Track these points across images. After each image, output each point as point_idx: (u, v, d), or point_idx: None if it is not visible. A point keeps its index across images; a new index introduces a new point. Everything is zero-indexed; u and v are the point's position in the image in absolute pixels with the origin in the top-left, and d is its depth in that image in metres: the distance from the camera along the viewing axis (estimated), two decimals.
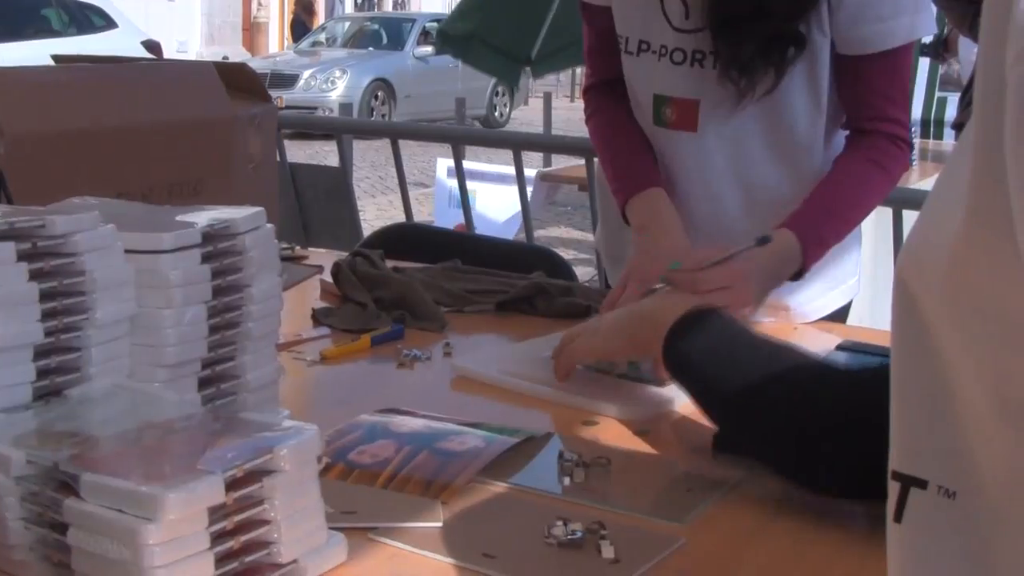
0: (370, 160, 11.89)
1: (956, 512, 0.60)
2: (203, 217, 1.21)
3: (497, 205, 5.99)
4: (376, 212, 8.74)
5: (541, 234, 6.56)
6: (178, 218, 1.21)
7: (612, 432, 1.36)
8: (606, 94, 1.86)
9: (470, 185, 4.23)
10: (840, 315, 1.93)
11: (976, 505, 0.59)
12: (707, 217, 1.80)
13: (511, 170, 4.05)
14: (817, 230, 1.67)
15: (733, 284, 1.54)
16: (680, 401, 1.46)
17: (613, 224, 1.90)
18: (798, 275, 1.66)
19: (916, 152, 4.73)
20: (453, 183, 4.90)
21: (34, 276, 1.05)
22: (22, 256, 1.04)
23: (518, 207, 4.02)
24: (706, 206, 1.80)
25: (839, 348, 1.69)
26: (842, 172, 1.72)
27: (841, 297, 1.90)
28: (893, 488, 0.63)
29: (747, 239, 1.61)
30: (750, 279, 1.57)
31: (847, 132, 1.78)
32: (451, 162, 4.59)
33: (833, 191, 1.70)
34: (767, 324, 1.82)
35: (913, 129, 4.90)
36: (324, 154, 11.33)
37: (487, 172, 6.30)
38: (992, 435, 0.57)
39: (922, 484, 0.61)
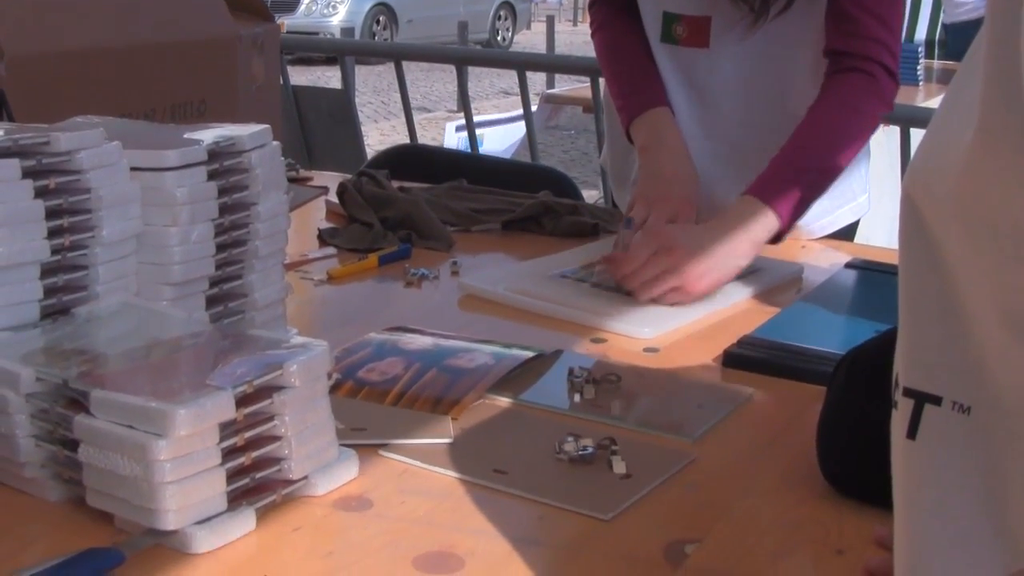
0: (372, 85, 11.82)
1: (971, 427, 0.59)
2: (208, 135, 1.19)
3: (501, 142, 5.97)
4: (379, 137, 8.70)
5: (544, 157, 6.53)
6: (184, 136, 1.19)
7: (621, 349, 1.35)
8: (613, 8, 1.83)
9: (477, 131, 4.19)
10: (848, 233, 1.92)
11: (991, 420, 0.59)
12: (716, 132, 1.78)
13: (517, 111, 3.98)
14: (784, 189, 1.58)
15: (678, 280, 1.47)
16: (689, 318, 1.46)
17: (619, 144, 1.88)
18: (778, 237, 1.58)
19: (922, 72, 4.69)
20: (462, 135, 4.87)
21: (39, 193, 1.03)
22: (27, 173, 1.03)
23: (520, 133, 3.99)
24: (716, 122, 1.77)
25: (848, 266, 1.68)
26: (814, 123, 1.63)
27: (849, 215, 1.89)
28: (906, 405, 0.62)
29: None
30: (694, 262, 1.48)
31: (828, 59, 1.68)
32: (460, 120, 4.56)
33: (803, 145, 1.62)
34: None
35: (920, 50, 4.87)
36: (326, 79, 11.26)
37: (494, 119, 6.27)
38: (1004, 349, 0.57)
39: (936, 400, 0.61)
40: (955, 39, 5.91)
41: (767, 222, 1.55)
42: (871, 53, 1.63)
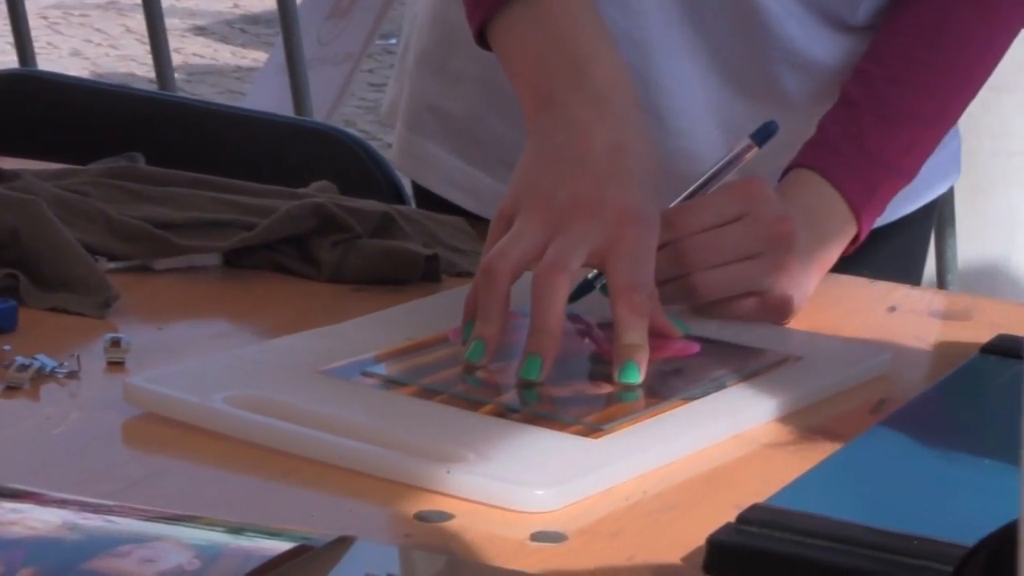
0: None
1: None
2: None
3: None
4: None
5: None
6: None
7: (482, 534, 1.37)
8: None
9: None
10: (924, 220, 2.14)
11: None
12: (722, 56, 1.87)
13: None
14: (866, 169, 1.79)
15: (774, 280, 1.66)
16: (631, 471, 1.47)
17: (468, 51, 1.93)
18: (852, 243, 1.77)
19: None
20: None
21: None
22: None
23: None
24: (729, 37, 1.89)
25: (986, 351, 1.72)
26: (916, 43, 1.86)
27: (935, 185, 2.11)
28: None
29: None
30: (802, 259, 1.68)
31: None
32: None
33: (895, 79, 1.83)
34: None
35: None
36: None
37: None
38: None
39: None
40: None
41: (845, 231, 1.76)
42: None
